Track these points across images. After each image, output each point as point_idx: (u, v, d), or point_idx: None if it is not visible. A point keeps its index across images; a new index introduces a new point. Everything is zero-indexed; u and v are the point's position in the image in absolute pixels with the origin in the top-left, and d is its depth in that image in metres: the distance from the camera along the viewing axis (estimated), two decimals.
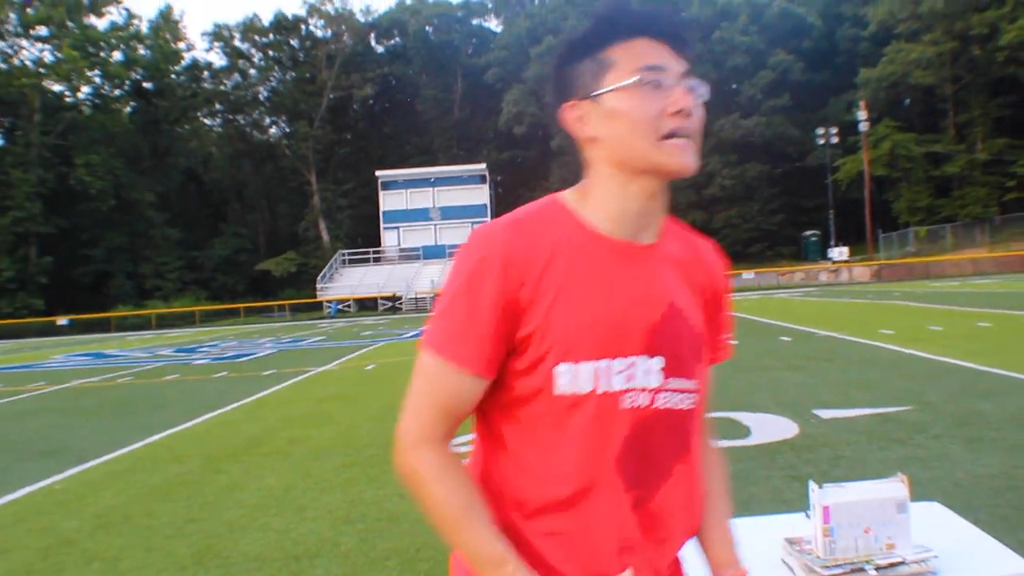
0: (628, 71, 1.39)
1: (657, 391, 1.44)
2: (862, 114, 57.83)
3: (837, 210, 60.60)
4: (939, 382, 10.13)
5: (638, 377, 1.41)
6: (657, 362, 1.43)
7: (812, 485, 2.46)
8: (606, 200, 1.46)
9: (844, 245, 56.83)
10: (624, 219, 1.46)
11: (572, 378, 1.38)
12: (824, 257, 57.69)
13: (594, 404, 1.39)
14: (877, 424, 7.92)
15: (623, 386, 1.40)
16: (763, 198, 68.44)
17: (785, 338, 17.17)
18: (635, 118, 1.39)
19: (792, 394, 10.00)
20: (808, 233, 62.80)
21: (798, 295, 37.91)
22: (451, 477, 1.41)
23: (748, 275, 53.83)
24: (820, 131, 60.64)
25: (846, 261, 54.58)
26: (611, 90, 1.40)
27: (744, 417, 8.62)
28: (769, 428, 8.03)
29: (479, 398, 1.44)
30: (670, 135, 1.39)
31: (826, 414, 8.51)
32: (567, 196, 1.50)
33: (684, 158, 1.40)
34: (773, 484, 6.10)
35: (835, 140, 60.27)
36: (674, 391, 1.46)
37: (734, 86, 71.54)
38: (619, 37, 1.42)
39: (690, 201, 67.64)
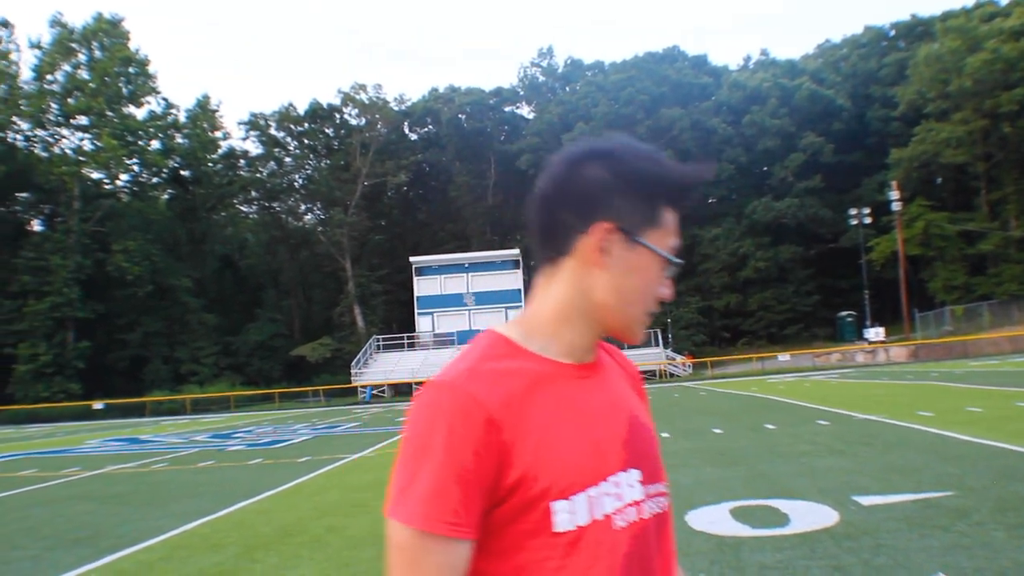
0: (666, 243, 1.40)
1: (641, 503, 1.40)
2: (894, 194, 57.72)
3: (872, 290, 60.29)
4: (980, 466, 9.98)
5: (624, 494, 1.37)
6: (635, 474, 1.40)
7: None
8: (563, 330, 1.42)
9: (880, 325, 56.35)
10: (577, 349, 1.43)
11: (570, 513, 1.30)
12: (860, 338, 57.20)
13: (594, 533, 1.31)
14: (918, 510, 7.80)
15: (613, 507, 1.34)
16: (797, 279, 68.54)
17: (822, 422, 16.97)
18: (647, 290, 1.40)
19: (831, 480, 9.87)
20: (843, 314, 62.44)
21: (835, 377, 37.53)
22: None
23: (783, 357, 53.37)
24: (853, 212, 60.66)
25: (882, 341, 54.03)
26: (648, 247, 1.38)
27: (782, 504, 8.53)
28: (808, 516, 7.93)
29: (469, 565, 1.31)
30: (650, 315, 1.43)
31: (866, 500, 8.39)
32: (509, 331, 1.43)
33: (642, 334, 1.46)
34: (813, 575, 6.01)
35: (868, 220, 60.28)
36: (653, 497, 1.44)
37: (765, 168, 72.03)
38: (671, 200, 1.40)
39: (724, 284, 68.18)
